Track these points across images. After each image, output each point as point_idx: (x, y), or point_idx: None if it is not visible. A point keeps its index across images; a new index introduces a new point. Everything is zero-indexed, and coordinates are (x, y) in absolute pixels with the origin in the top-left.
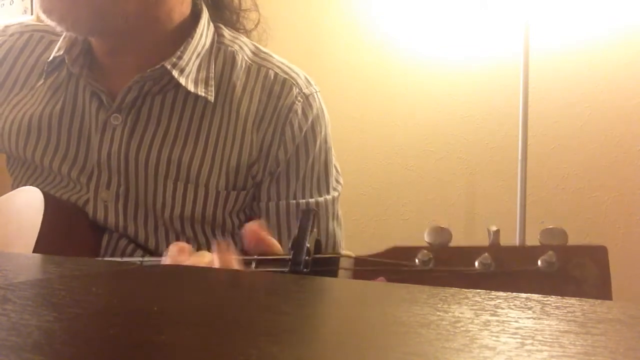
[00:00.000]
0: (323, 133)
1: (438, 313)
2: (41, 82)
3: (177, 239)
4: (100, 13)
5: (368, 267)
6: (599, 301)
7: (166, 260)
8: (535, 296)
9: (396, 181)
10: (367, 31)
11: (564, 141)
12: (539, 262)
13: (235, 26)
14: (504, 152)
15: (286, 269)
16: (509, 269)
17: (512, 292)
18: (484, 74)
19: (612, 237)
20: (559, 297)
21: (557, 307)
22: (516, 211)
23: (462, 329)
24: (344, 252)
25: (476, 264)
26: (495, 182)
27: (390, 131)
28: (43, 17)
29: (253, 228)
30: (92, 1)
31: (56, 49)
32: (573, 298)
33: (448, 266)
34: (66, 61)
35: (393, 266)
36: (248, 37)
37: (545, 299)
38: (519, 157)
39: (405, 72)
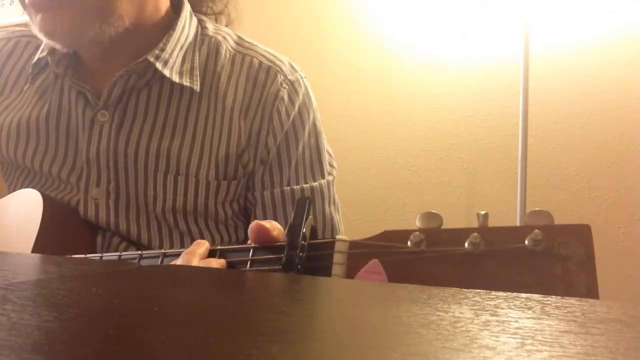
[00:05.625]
0: (311, 118)
1: (438, 313)
2: (28, 85)
3: (170, 233)
4: (100, 22)
5: (362, 250)
6: (599, 301)
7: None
8: (535, 296)
9: (396, 181)
10: (367, 31)
11: (564, 141)
12: (526, 241)
13: (204, 10)
14: (504, 152)
15: (282, 255)
16: (497, 247)
17: (500, 269)
18: (484, 74)
19: (612, 237)
20: (559, 297)
21: (557, 307)
22: (516, 211)
23: (462, 329)
24: (338, 236)
25: (466, 244)
26: (495, 182)
27: (390, 131)
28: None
29: (257, 222)
30: (89, 12)
31: (40, 50)
32: (573, 298)
33: (439, 247)
34: (49, 62)
35: (386, 249)
36: (217, 20)
37: (545, 299)
38: (519, 157)
39: (405, 72)
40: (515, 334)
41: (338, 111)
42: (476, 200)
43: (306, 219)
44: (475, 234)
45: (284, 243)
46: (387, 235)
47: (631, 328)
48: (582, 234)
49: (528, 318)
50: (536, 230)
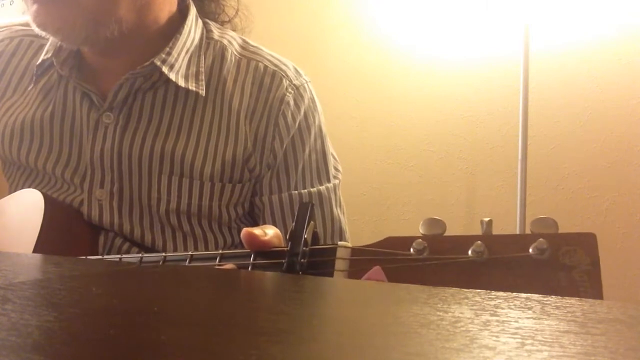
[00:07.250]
0: (317, 122)
1: (438, 313)
2: (32, 86)
3: (174, 234)
4: (94, 23)
5: (364, 257)
6: (599, 301)
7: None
8: (535, 296)
9: (396, 181)
10: (367, 31)
11: (564, 141)
12: (531, 249)
13: (217, 17)
14: (504, 152)
15: (284, 260)
16: (501, 256)
17: (504, 278)
18: (484, 74)
19: (612, 237)
20: (559, 297)
21: (557, 307)
22: (516, 211)
23: (462, 329)
24: (340, 242)
25: (469, 252)
26: (495, 182)
27: (390, 131)
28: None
29: (246, 230)
30: (85, 13)
31: (44, 51)
32: (573, 298)
33: (442, 255)
34: (55, 64)
35: (389, 255)
36: (231, 26)
37: (545, 299)
38: (519, 157)
39: (406, 72)
40: (515, 334)
41: (338, 111)
42: (476, 200)
43: (308, 225)
44: (479, 242)
45: (285, 249)
46: (389, 242)
47: (631, 328)
48: (587, 243)
49: (528, 318)
50: (541, 239)
